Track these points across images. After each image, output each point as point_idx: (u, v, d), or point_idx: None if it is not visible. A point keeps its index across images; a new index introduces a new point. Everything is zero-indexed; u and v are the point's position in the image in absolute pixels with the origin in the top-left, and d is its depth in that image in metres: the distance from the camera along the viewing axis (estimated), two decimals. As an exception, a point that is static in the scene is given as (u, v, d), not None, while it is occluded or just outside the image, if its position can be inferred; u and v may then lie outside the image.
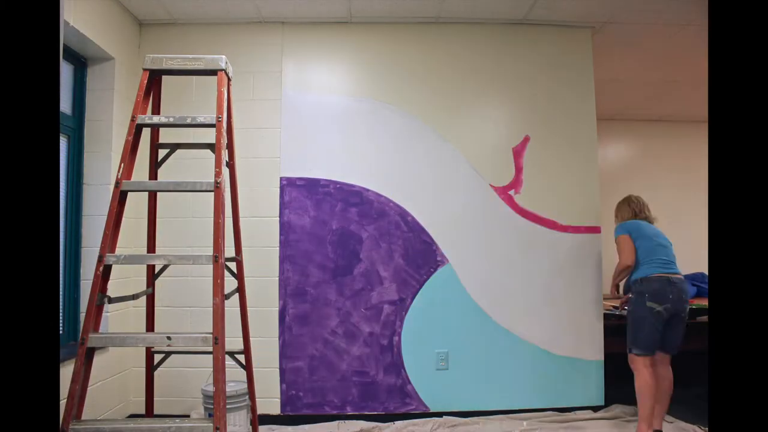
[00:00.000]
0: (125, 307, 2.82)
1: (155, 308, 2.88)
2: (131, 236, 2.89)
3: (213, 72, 2.06)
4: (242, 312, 2.35)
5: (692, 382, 3.56)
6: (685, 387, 3.52)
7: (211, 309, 2.95)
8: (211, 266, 1.96)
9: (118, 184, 1.90)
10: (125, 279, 2.84)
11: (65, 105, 2.63)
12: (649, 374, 2.45)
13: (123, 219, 2.82)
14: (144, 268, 2.93)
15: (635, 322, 2.50)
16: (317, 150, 2.98)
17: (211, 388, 2.54)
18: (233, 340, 2.39)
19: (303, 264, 2.93)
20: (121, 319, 2.77)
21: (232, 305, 2.42)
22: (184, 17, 2.96)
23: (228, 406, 2.48)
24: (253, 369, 2.35)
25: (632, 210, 2.77)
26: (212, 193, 3.02)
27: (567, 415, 2.86)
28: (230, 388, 2.54)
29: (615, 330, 3.29)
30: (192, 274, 2.90)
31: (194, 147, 2.28)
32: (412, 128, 3.01)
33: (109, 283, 2.68)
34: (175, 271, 2.90)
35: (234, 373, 2.80)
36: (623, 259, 2.62)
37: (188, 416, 2.83)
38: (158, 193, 2.94)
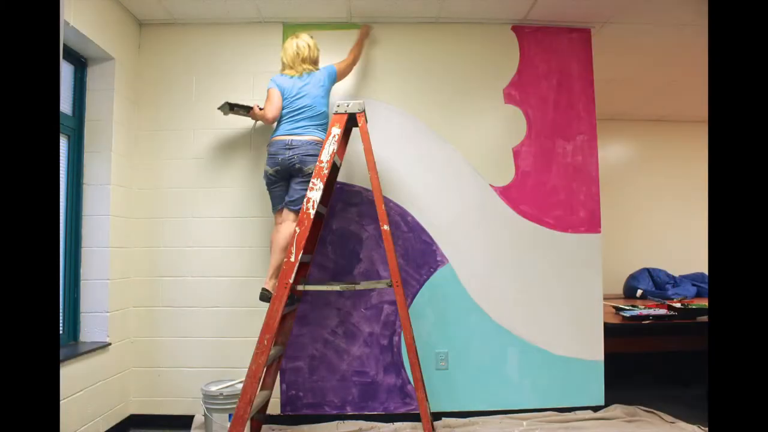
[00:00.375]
0: (125, 307, 2.82)
1: (156, 308, 2.89)
2: (132, 236, 2.89)
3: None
4: (408, 347, 2.43)
5: (692, 382, 3.58)
6: (685, 387, 3.53)
7: (211, 309, 2.97)
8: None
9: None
10: (125, 279, 2.84)
11: (65, 105, 2.63)
12: (275, 231, 2.55)
13: (124, 219, 2.83)
14: (145, 266, 2.94)
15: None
16: (317, 150, 2.98)
17: (211, 388, 2.54)
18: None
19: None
20: (121, 319, 2.77)
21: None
22: (184, 17, 2.96)
23: (228, 406, 2.48)
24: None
25: (287, 63, 2.64)
26: (211, 193, 3.04)
27: (567, 415, 2.86)
28: (230, 387, 2.53)
29: (615, 330, 3.30)
30: (191, 275, 2.90)
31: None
32: (412, 128, 3.01)
33: (112, 282, 2.69)
34: (175, 271, 2.91)
35: (235, 373, 2.80)
36: (265, 112, 2.57)
37: (189, 416, 2.83)
38: (159, 193, 2.95)
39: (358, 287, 2.55)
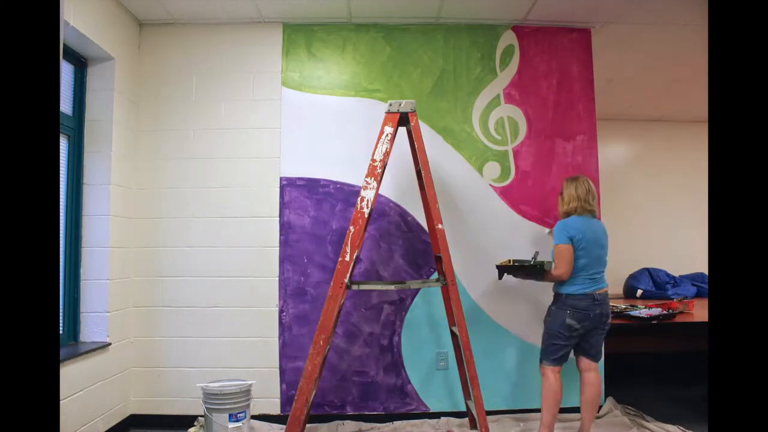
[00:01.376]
0: (125, 306, 2.82)
1: (155, 308, 2.89)
2: (132, 236, 2.89)
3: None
4: (459, 353, 2.44)
5: (692, 382, 3.58)
6: (686, 387, 3.54)
7: (211, 309, 2.97)
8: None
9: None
10: (125, 279, 2.84)
11: (65, 105, 2.63)
12: (555, 380, 2.42)
13: (124, 219, 2.84)
14: (145, 266, 2.94)
15: (550, 334, 2.43)
16: (317, 150, 2.98)
17: (211, 386, 2.53)
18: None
19: (303, 264, 2.93)
20: (121, 318, 2.77)
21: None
22: (184, 17, 2.96)
23: (227, 405, 2.48)
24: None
25: (579, 199, 2.45)
26: (211, 193, 3.04)
27: (566, 416, 2.86)
28: (231, 387, 2.53)
29: (615, 330, 3.29)
30: (191, 275, 2.90)
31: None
32: (412, 128, 3.01)
33: (112, 282, 2.69)
34: (175, 270, 2.91)
35: (234, 373, 2.81)
36: (560, 272, 2.37)
37: (189, 416, 2.83)
38: (159, 193, 2.95)
39: (412, 286, 2.54)
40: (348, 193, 2.97)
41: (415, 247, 2.97)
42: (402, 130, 3.00)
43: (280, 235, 2.93)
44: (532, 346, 2.96)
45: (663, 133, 5.12)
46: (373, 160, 2.35)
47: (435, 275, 2.94)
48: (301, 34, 3.04)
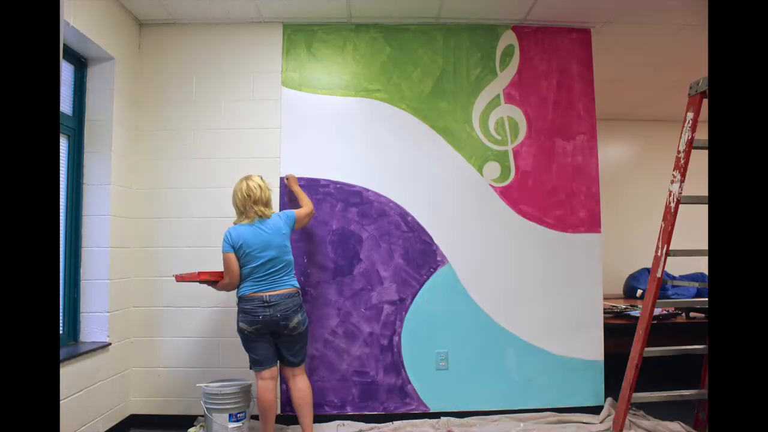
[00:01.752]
0: (125, 306, 2.82)
1: (155, 308, 2.89)
2: (132, 236, 2.89)
3: None
4: None
5: (692, 381, 3.57)
6: (686, 387, 3.53)
7: (211, 309, 2.97)
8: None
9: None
10: (125, 279, 2.84)
11: (65, 105, 2.63)
12: (263, 388, 2.37)
13: (124, 219, 2.84)
14: (145, 266, 2.94)
15: (241, 340, 2.42)
16: (317, 150, 2.98)
17: (211, 386, 2.53)
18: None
19: (303, 264, 2.93)
20: (121, 318, 2.77)
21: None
22: (184, 17, 2.96)
23: (227, 405, 2.48)
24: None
25: (239, 207, 2.41)
26: (211, 193, 3.04)
27: (566, 416, 2.86)
28: (231, 387, 2.53)
29: (615, 330, 3.30)
30: (192, 274, 2.90)
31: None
32: (413, 128, 3.01)
33: (112, 282, 2.68)
34: (175, 271, 2.90)
35: (234, 373, 2.81)
36: (225, 281, 2.38)
37: (189, 416, 2.83)
38: (159, 193, 2.95)
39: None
40: (348, 193, 2.97)
41: (415, 247, 2.97)
42: (399, 130, 3.00)
43: (280, 235, 2.92)
44: (532, 346, 2.96)
45: (663, 133, 5.12)
46: (678, 152, 2.29)
47: (434, 274, 2.94)
48: (301, 34, 3.04)
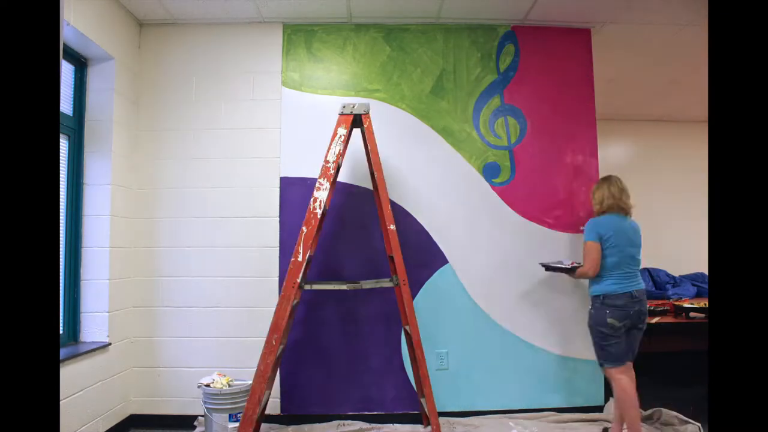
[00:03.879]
0: (125, 306, 2.82)
1: (156, 308, 2.90)
2: (132, 236, 2.89)
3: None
4: (411, 352, 2.50)
5: (692, 382, 3.57)
6: (686, 387, 3.53)
7: (211, 309, 2.97)
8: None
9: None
10: (125, 279, 2.84)
11: (65, 105, 2.63)
12: (627, 381, 2.40)
13: (124, 219, 2.84)
14: (145, 266, 2.94)
15: (600, 336, 2.43)
16: (317, 150, 2.98)
17: (212, 385, 2.53)
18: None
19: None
20: (121, 318, 2.77)
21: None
22: (184, 17, 2.96)
23: (227, 405, 2.48)
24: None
25: (612, 196, 2.53)
26: (211, 193, 3.04)
27: (566, 416, 2.86)
28: (231, 386, 2.53)
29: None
30: (191, 275, 2.90)
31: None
32: (413, 128, 3.01)
33: (112, 282, 2.69)
34: (175, 270, 2.91)
35: (234, 373, 2.80)
36: (587, 269, 2.47)
37: (189, 416, 2.83)
38: (159, 193, 2.95)
39: (365, 285, 2.54)
40: (348, 193, 2.97)
41: (415, 247, 2.96)
42: (399, 130, 3.00)
43: (280, 235, 2.93)
44: (532, 346, 2.96)
45: (663, 133, 5.12)
46: (326, 161, 2.37)
47: (434, 274, 2.94)
48: (301, 34, 3.04)
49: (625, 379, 2.40)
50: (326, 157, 2.37)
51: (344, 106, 2.44)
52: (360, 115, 2.45)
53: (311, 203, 2.33)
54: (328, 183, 2.34)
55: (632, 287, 2.41)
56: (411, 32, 3.06)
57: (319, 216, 2.32)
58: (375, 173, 2.45)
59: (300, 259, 2.29)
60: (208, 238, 2.92)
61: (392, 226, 2.43)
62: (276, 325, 2.26)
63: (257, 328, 2.88)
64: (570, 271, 2.61)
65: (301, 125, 2.99)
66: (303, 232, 2.32)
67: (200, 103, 2.99)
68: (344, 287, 2.49)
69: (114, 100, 2.73)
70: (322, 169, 2.36)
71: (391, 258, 2.46)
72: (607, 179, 2.60)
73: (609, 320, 2.39)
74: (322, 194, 2.33)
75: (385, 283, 2.55)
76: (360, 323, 2.93)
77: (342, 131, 2.40)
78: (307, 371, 2.90)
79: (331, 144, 2.39)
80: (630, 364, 2.47)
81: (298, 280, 2.28)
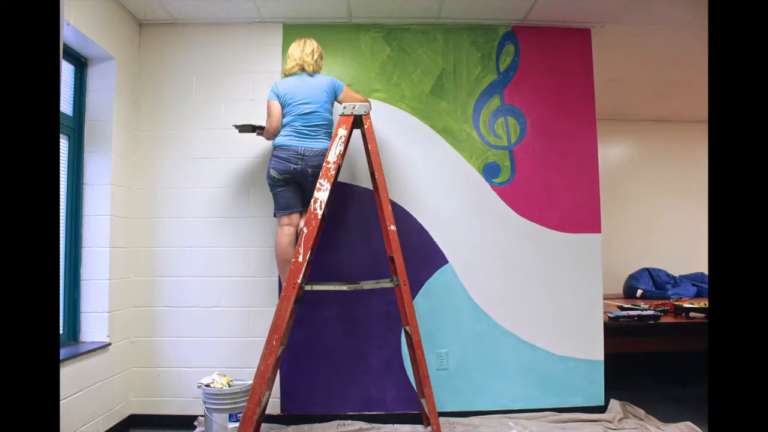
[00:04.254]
0: (125, 306, 2.82)
1: (156, 308, 2.90)
2: (132, 236, 2.89)
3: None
4: (412, 352, 2.50)
5: (692, 382, 3.58)
6: (686, 387, 3.54)
7: (211, 309, 2.97)
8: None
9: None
10: (125, 279, 2.84)
11: (65, 105, 2.63)
12: (280, 235, 2.53)
13: (124, 219, 2.84)
14: (145, 266, 2.94)
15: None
16: (317, 150, 2.98)
17: (212, 385, 2.53)
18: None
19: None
20: (121, 318, 2.77)
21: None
22: (184, 17, 2.96)
23: (227, 405, 2.48)
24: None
25: (293, 60, 2.55)
26: (211, 193, 3.04)
27: (566, 416, 2.86)
28: (231, 386, 2.53)
29: (615, 330, 3.30)
30: (191, 275, 2.90)
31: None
32: (412, 128, 3.01)
33: (112, 282, 2.69)
34: (175, 270, 2.91)
35: (234, 373, 2.80)
36: (267, 125, 2.53)
37: (189, 416, 2.83)
38: (159, 193, 2.95)
39: (365, 286, 2.54)
40: (348, 193, 2.97)
41: (414, 248, 2.96)
42: (399, 130, 3.01)
43: (280, 235, 2.92)
44: (532, 346, 2.96)
45: (663, 133, 5.13)
46: (327, 162, 2.36)
47: (434, 274, 2.94)
48: (301, 34, 3.03)
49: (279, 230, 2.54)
50: (327, 157, 2.37)
51: (345, 107, 2.44)
52: (360, 115, 2.45)
53: (312, 204, 2.33)
54: (328, 184, 2.34)
55: (299, 144, 2.45)
56: (411, 32, 3.06)
57: (320, 217, 2.32)
58: (375, 174, 2.45)
59: (300, 259, 2.29)
60: (208, 238, 2.92)
61: (392, 227, 2.43)
62: (276, 325, 2.25)
63: (257, 328, 2.88)
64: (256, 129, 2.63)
65: (301, 125, 2.98)
66: (303, 232, 2.31)
67: (200, 103, 2.99)
68: (344, 288, 2.49)
69: (114, 100, 2.73)
70: (323, 170, 2.36)
71: (392, 258, 2.46)
72: (292, 45, 2.61)
73: (270, 172, 2.48)
74: (322, 195, 2.33)
75: (386, 284, 2.55)
76: (360, 323, 2.93)
77: (342, 132, 2.40)
78: (307, 371, 2.90)
79: (331, 145, 2.39)
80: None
81: (299, 281, 2.28)
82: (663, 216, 5.04)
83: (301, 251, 2.29)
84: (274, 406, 2.86)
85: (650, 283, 4.62)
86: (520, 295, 2.98)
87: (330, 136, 2.52)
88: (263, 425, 2.77)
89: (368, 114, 2.46)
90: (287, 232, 2.52)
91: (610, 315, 3.35)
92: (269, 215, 2.93)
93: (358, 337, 2.93)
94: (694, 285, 4.61)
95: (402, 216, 2.97)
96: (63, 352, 2.37)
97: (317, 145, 2.47)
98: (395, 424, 2.81)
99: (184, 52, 3.02)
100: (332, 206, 2.94)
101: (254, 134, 2.71)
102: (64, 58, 2.48)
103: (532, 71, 3.08)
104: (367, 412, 2.89)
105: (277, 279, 2.91)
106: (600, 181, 3.07)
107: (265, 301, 2.90)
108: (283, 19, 3.00)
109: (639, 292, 4.54)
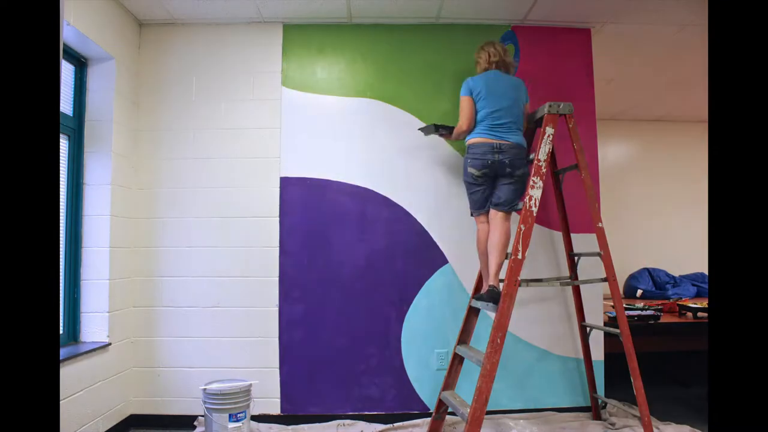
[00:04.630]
0: (125, 306, 2.82)
1: (156, 308, 2.90)
2: (132, 236, 2.90)
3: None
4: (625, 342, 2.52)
5: (692, 382, 3.58)
6: (685, 387, 3.54)
7: (211, 309, 2.96)
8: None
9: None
10: (125, 279, 2.84)
11: (65, 105, 2.63)
12: (481, 230, 2.54)
13: (124, 219, 2.83)
14: (145, 266, 2.94)
15: (466, 185, 2.58)
16: (317, 150, 2.98)
17: (212, 386, 2.53)
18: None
19: (304, 265, 2.93)
20: (121, 318, 2.77)
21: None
22: (184, 17, 2.96)
23: (227, 405, 2.48)
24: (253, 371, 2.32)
25: (487, 55, 2.61)
26: (211, 193, 3.03)
27: (565, 415, 2.86)
28: (231, 386, 2.53)
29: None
30: (191, 275, 2.90)
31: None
32: (413, 128, 3.01)
33: (112, 282, 2.69)
34: (175, 270, 2.91)
35: (234, 373, 2.81)
36: (460, 123, 2.55)
37: (189, 416, 2.83)
38: (159, 193, 2.95)
39: (574, 283, 2.68)
40: (348, 193, 2.97)
41: (415, 247, 2.96)
42: (400, 131, 3.00)
43: (280, 235, 2.93)
44: (532, 346, 2.96)
45: (663, 133, 5.13)
46: (538, 160, 2.39)
47: (435, 274, 2.94)
48: (301, 34, 3.04)
49: (480, 227, 2.56)
50: (537, 156, 2.40)
51: (550, 106, 2.48)
52: (565, 114, 2.51)
53: (527, 202, 2.35)
54: (541, 181, 2.38)
55: (495, 136, 2.46)
56: (411, 32, 3.06)
57: (534, 214, 2.35)
58: (582, 173, 2.53)
59: (520, 257, 2.31)
60: (208, 238, 2.92)
61: (600, 224, 2.52)
62: (500, 323, 2.26)
63: (257, 328, 2.88)
64: (451, 129, 2.65)
65: (301, 125, 2.99)
66: (521, 230, 2.33)
67: (200, 102, 2.99)
68: (556, 284, 2.65)
69: (114, 100, 2.73)
70: (534, 168, 2.38)
71: (599, 255, 2.53)
72: (483, 46, 2.65)
73: (468, 169, 2.49)
74: (536, 192, 2.36)
75: (595, 281, 2.67)
76: (360, 323, 2.93)
77: (550, 130, 2.45)
78: (307, 371, 2.90)
79: (540, 143, 2.42)
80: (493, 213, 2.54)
81: (519, 278, 2.31)
82: (663, 216, 5.04)
83: (520, 248, 2.31)
84: (274, 406, 2.86)
85: (650, 283, 4.62)
86: (520, 294, 2.97)
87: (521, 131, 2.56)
88: (263, 425, 2.77)
89: (572, 114, 2.52)
90: (483, 228, 2.55)
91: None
92: (270, 215, 2.93)
93: (358, 337, 2.93)
94: (694, 285, 4.61)
95: (402, 216, 2.97)
96: (63, 352, 2.37)
97: (513, 138, 2.49)
98: (395, 423, 2.81)
99: (184, 52, 3.02)
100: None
101: (437, 135, 2.78)
102: (64, 58, 2.48)
103: (532, 71, 3.08)
104: (367, 412, 2.89)
105: (276, 279, 2.91)
106: (600, 181, 3.07)
107: (265, 301, 2.90)
108: (283, 19, 3.00)
109: (639, 292, 4.54)
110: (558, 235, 3.01)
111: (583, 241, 3.00)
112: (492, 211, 2.52)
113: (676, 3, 2.79)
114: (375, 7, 2.88)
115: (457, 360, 2.64)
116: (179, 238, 2.92)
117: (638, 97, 4.43)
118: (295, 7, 2.86)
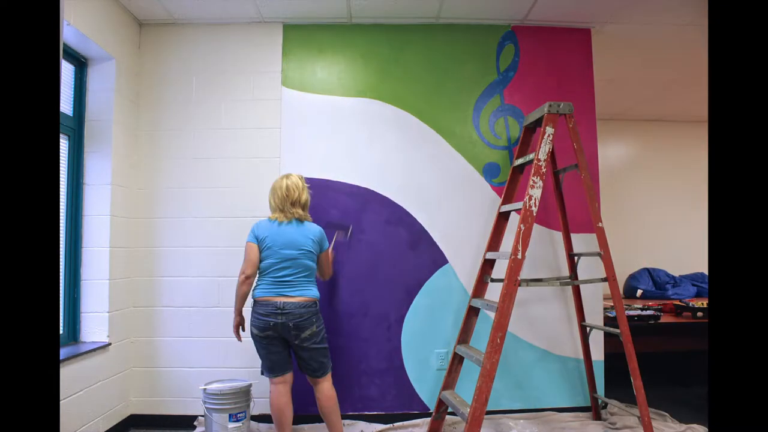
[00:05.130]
0: (125, 306, 2.82)
1: (156, 308, 2.90)
2: (132, 236, 2.89)
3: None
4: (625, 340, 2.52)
5: (692, 382, 3.58)
6: (685, 387, 3.54)
7: (211, 309, 2.96)
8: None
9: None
10: (125, 279, 2.84)
11: (65, 105, 2.63)
12: (275, 395, 2.30)
13: (124, 219, 2.84)
14: (145, 266, 2.94)
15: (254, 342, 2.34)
16: (317, 150, 2.98)
17: (212, 386, 2.53)
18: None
19: (303, 264, 2.93)
20: (121, 318, 2.77)
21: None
22: (184, 17, 2.96)
23: (227, 406, 2.48)
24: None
25: (277, 205, 2.37)
26: (211, 193, 3.03)
27: (566, 415, 2.86)
28: (231, 386, 2.53)
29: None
30: (191, 275, 2.90)
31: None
32: (413, 128, 3.01)
33: (112, 282, 2.69)
34: (175, 270, 2.91)
35: (234, 373, 2.81)
36: (242, 268, 2.32)
37: (189, 416, 2.83)
38: (159, 193, 2.95)
39: (574, 282, 2.67)
40: (348, 193, 2.97)
41: (415, 247, 2.96)
42: (400, 131, 3.01)
43: (280, 235, 2.92)
44: (532, 346, 2.96)
45: (663, 133, 5.12)
46: (538, 160, 2.40)
47: (434, 274, 2.94)
48: (301, 34, 3.04)
49: (273, 388, 2.32)
50: (537, 155, 2.41)
51: (550, 105, 2.49)
52: (565, 114, 2.53)
53: (526, 201, 2.35)
54: (541, 181, 2.39)
55: (278, 293, 2.25)
56: (411, 32, 3.06)
57: (534, 214, 2.36)
58: (582, 173, 2.53)
59: (520, 256, 2.31)
60: (208, 238, 2.92)
61: (600, 224, 2.52)
62: (500, 324, 2.26)
63: (257, 328, 2.88)
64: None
65: (301, 125, 2.99)
66: (521, 229, 2.33)
67: (200, 102, 2.99)
68: (557, 284, 2.63)
69: (114, 100, 2.73)
70: (534, 168, 2.39)
71: (599, 254, 2.54)
72: (274, 186, 2.41)
73: (251, 328, 2.30)
74: (536, 192, 2.37)
75: (596, 280, 2.67)
76: (360, 324, 2.93)
77: (550, 130, 2.47)
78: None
79: (540, 143, 2.43)
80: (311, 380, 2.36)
81: (519, 278, 2.31)
82: (663, 216, 5.04)
83: (520, 248, 2.32)
84: (274, 406, 2.85)
85: (650, 283, 4.62)
86: (520, 294, 2.98)
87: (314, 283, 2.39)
88: (263, 425, 2.77)
89: (572, 114, 2.53)
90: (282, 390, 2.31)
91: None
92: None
93: (358, 337, 2.93)
94: (694, 285, 4.61)
95: (402, 216, 2.97)
96: (63, 352, 2.37)
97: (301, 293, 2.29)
98: (395, 423, 2.81)
99: (184, 52, 3.02)
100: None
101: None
102: (64, 58, 2.48)
103: (532, 71, 3.08)
104: (367, 412, 2.89)
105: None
106: (600, 181, 3.07)
107: (265, 301, 2.89)
108: (283, 19, 3.00)
109: (639, 292, 4.54)
110: (558, 235, 3.01)
111: (583, 241, 3.00)
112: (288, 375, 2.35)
113: (676, 3, 2.79)
114: (375, 7, 2.88)
115: (457, 360, 2.64)
116: (179, 238, 2.92)
117: (638, 97, 4.42)
118: (295, 6, 2.86)
